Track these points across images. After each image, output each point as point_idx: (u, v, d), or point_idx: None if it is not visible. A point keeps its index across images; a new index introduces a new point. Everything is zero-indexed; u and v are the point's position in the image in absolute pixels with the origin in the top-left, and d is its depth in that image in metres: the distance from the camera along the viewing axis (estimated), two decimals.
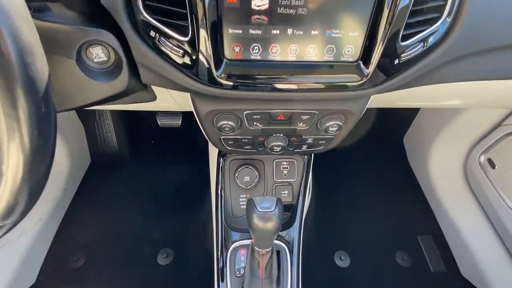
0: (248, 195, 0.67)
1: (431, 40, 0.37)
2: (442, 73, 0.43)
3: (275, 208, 0.45)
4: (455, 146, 1.06)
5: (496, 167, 0.91)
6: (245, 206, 0.66)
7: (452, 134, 1.05)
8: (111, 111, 1.15)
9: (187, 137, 1.25)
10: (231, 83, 0.39)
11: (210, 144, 0.81)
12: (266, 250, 0.51)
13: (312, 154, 0.71)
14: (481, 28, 0.38)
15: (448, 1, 0.35)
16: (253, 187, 0.66)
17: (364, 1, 0.34)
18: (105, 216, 1.06)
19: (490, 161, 0.93)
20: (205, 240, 0.94)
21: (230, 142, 0.56)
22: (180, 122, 1.12)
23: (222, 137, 0.54)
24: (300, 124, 0.51)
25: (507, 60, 0.43)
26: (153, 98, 0.55)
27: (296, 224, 0.64)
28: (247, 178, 0.65)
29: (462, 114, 0.98)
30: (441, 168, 1.10)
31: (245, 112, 0.48)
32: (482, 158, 0.96)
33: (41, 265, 0.94)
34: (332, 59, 0.38)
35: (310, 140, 0.55)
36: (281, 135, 0.53)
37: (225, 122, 0.48)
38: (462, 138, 1.04)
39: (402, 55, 0.37)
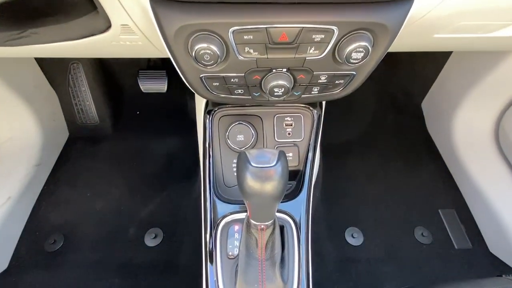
0: None
1: None
2: None
3: (277, 162, 0.31)
4: (485, 108, 0.91)
5: None
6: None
7: (482, 95, 0.89)
8: (86, 75, 1.00)
9: (175, 105, 1.11)
10: None
11: (196, 100, 0.67)
12: (266, 224, 0.38)
13: (323, 108, 0.56)
14: None
15: None
16: (248, 149, 0.52)
17: None
18: (86, 195, 0.95)
19: None
20: (197, 217, 0.82)
21: (215, 84, 0.41)
22: (165, 86, 0.97)
23: (203, 75, 0.40)
24: (310, 51, 0.36)
25: None
26: (106, 24, 0.40)
27: (304, 194, 0.51)
28: (240, 137, 0.51)
29: (495, 69, 0.82)
30: (467, 134, 0.96)
31: (231, 29, 0.33)
32: None
33: (14, 248, 0.83)
34: None
35: (323, 79, 0.41)
36: (284, 70, 0.39)
37: (204, 46, 0.33)
38: (493, 98, 0.89)
39: None
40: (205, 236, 0.48)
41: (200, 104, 0.58)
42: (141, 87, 0.97)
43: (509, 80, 0.83)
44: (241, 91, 0.43)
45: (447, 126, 1.00)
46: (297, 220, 0.48)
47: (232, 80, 0.40)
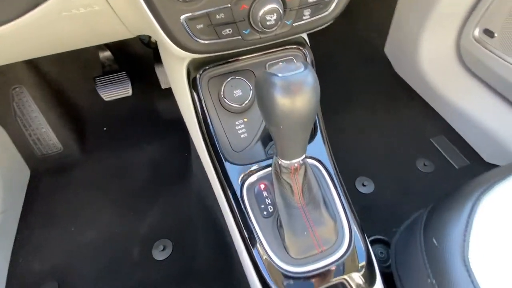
0: (246, 119, 0.48)
1: None
2: None
3: (305, 68, 0.27)
4: (443, 33, 0.96)
5: (495, 34, 0.82)
6: (245, 135, 0.48)
7: (438, 21, 0.94)
8: (34, 99, 0.87)
9: (143, 108, 1.01)
10: None
11: (172, 77, 0.61)
12: (298, 160, 0.34)
13: (310, 49, 0.53)
14: None
15: None
16: (248, 105, 0.47)
17: None
18: (70, 230, 0.82)
19: (487, 31, 0.84)
20: (203, 214, 0.75)
21: (199, 27, 0.36)
22: (130, 89, 0.88)
23: (184, 16, 0.34)
24: None
25: None
26: None
27: (319, 134, 0.48)
28: (238, 92, 0.46)
29: None
30: (433, 62, 1.00)
31: None
32: (476, 32, 0.87)
33: None
34: None
35: None
36: None
37: None
38: (449, 21, 0.93)
39: None
40: (230, 202, 0.42)
41: (177, 78, 0.52)
42: (102, 95, 0.87)
43: (457, 4, 0.89)
44: (229, 31, 0.38)
45: (413, 62, 1.04)
46: (322, 160, 0.45)
47: (217, 16, 0.36)
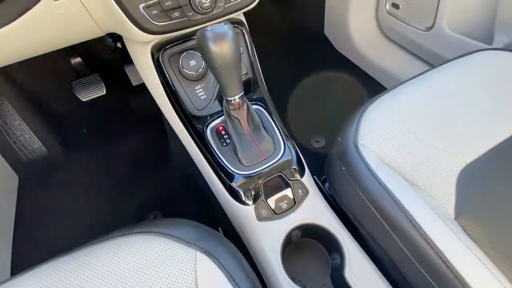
0: (203, 84, 0.63)
1: None
2: None
3: (225, 24, 0.42)
4: (365, 11, 1.16)
5: (400, 6, 1.03)
6: (204, 96, 0.63)
7: (359, 3, 1.14)
8: (15, 108, 0.95)
9: (118, 105, 1.12)
10: None
11: (139, 65, 0.73)
12: (238, 96, 0.49)
13: (247, 27, 0.69)
14: None
15: None
16: (202, 73, 0.61)
17: None
18: (65, 219, 0.91)
19: (394, 4, 1.05)
20: (186, 185, 0.88)
21: (154, 12, 0.50)
22: (104, 88, 0.99)
23: (142, 4, 0.48)
24: None
25: None
26: None
27: (261, 88, 0.63)
28: (192, 63, 0.60)
29: None
30: (361, 36, 1.20)
31: None
32: (387, 6, 1.07)
33: None
34: None
35: None
36: None
37: None
38: (367, 1, 1.13)
39: None
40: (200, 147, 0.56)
41: (144, 61, 0.65)
42: (79, 97, 0.97)
43: None
44: (178, 14, 0.52)
45: (346, 37, 1.23)
46: (263, 104, 0.60)
47: (167, 3, 0.49)
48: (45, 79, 1.03)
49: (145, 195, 0.95)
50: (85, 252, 0.41)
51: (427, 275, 0.40)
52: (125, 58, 0.99)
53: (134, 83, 1.07)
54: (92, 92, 0.97)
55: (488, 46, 0.83)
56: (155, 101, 0.71)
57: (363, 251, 0.47)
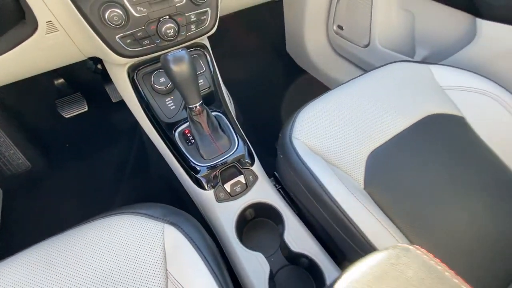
0: (172, 97, 0.75)
1: None
2: None
3: (182, 50, 0.55)
4: (317, 31, 1.35)
5: (343, 27, 1.22)
6: (174, 107, 0.75)
7: (312, 20, 1.32)
8: (0, 125, 1.03)
9: (99, 120, 1.22)
10: None
11: (118, 83, 0.85)
12: (199, 104, 0.61)
13: (210, 50, 0.83)
14: None
15: None
16: (171, 88, 0.74)
17: None
18: (50, 227, 0.97)
19: (339, 26, 1.24)
20: (164, 183, 0.98)
21: (128, 41, 0.63)
22: (85, 105, 1.09)
23: (118, 35, 0.60)
24: (176, 0, 0.62)
25: None
26: (33, 26, 0.57)
27: (221, 99, 0.76)
28: (162, 79, 0.73)
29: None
30: (316, 52, 1.39)
31: None
32: (335, 27, 1.27)
33: None
34: None
35: (193, 18, 0.67)
36: (167, 17, 0.63)
37: (111, 10, 0.55)
38: (318, 19, 1.32)
39: None
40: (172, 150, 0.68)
41: (122, 80, 0.77)
42: (63, 114, 1.07)
43: (318, 7, 1.27)
44: (147, 41, 0.65)
45: (305, 54, 1.41)
46: (223, 111, 0.73)
47: (138, 34, 0.62)
48: (30, 98, 1.12)
49: (127, 202, 1.03)
50: (67, 234, 0.51)
51: (342, 233, 0.54)
52: (105, 78, 1.11)
53: (114, 100, 1.18)
54: (75, 109, 1.07)
55: (409, 59, 1.03)
56: (133, 115, 0.83)
57: (299, 220, 0.59)
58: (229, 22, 1.53)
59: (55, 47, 0.65)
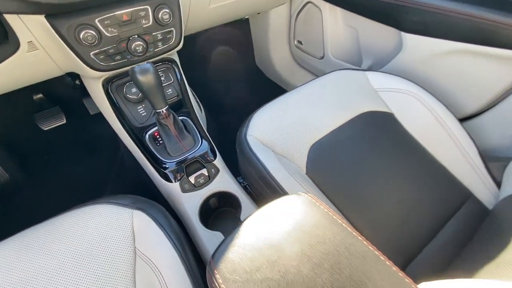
0: (143, 105, 0.84)
1: None
2: None
3: (148, 63, 0.65)
4: (282, 47, 1.50)
5: (302, 42, 1.38)
6: (144, 113, 0.84)
7: (276, 42, 1.48)
8: None
9: (81, 131, 1.28)
10: None
11: (95, 95, 0.93)
12: (165, 109, 0.71)
13: (178, 63, 0.94)
14: None
15: None
16: (142, 97, 0.83)
17: None
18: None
19: (299, 41, 1.40)
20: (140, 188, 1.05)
21: (101, 57, 0.72)
22: (64, 118, 1.16)
23: (92, 52, 0.70)
24: (143, 21, 0.72)
25: None
26: (16, 46, 0.65)
27: (189, 106, 0.86)
28: (134, 89, 0.82)
29: (272, 23, 1.39)
30: (282, 65, 1.53)
31: (96, 20, 0.66)
32: (295, 42, 1.42)
33: None
34: None
35: (160, 36, 0.78)
36: (136, 36, 0.74)
37: (86, 31, 0.65)
38: (281, 36, 1.47)
39: None
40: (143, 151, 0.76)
41: (98, 92, 0.86)
42: (41, 127, 1.12)
43: (278, 24, 1.42)
44: (119, 57, 0.75)
45: (271, 67, 1.56)
46: (189, 116, 0.83)
47: (110, 51, 0.72)
48: (9, 112, 1.17)
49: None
50: (46, 222, 0.57)
51: None
52: (83, 92, 1.19)
53: (92, 113, 1.25)
54: (54, 121, 1.13)
55: (356, 67, 1.18)
56: (110, 126, 0.91)
57: (255, 204, 0.69)
58: (204, 38, 1.67)
59: (35, 64, 0.73)
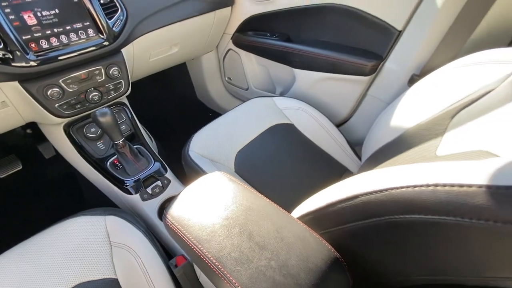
0: (102, 141, 1.04)
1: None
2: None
3: (105, 108, 0.88)
4: (215, 81, 1.83)
5: (231, 78, 1.73)
6: (103, 147, 1.04)
7: (210, 78, 1.80)
8: None
9: (37, 174, 1.36)
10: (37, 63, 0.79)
11: (56, 141, 1.09)
12: (121, 140, 0.93)
13: (128, 105, 1.17)
14: None
15: None
16: (100, 135, 1.04)
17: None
18: None
19: (228, 78, 1.75)
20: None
21: (64, 107, 0.92)
22: (20, 164, 1.25)
23: (57, 104, 0.90)
24: (97, 78, 0.95)
25: None
26: None
27: (140, 135, 1.09)
28: (93, 129, 1.02)
29: (202, 60, 1.73)
30: (218, 96, 1.85)
31: (60, 80, 0.87)
32: (226, 78, 1.77)
33: None
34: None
35: (111, 87, 1.01)
36: (92, 88, 0.96)
37: (52, 90, 0.85)
38: (214, 74, 1.80)
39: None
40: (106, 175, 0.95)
41: (59, 136, 1.03)
42: None
43: (213, 66, 1.77)
44: (79, 106, 0.95)
45: (211, 99, 1.87)
46: (142, 145, 1.05)
47: (72, 101, 0.93)
48: None
49: None
50: (36, 236, 0.73)
51: None
52: (37, 139, 1.31)
53: (47, 156, 1.36)
54: (9, 169, 1.22)
55: (272, 94, 1.55)
56: (67, 167, 1.06)
57: None
58: (152, 81, 1.91)
59: (3, 118, 0.89)
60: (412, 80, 0.95)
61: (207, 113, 1.92)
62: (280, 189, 0.93)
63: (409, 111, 0.77)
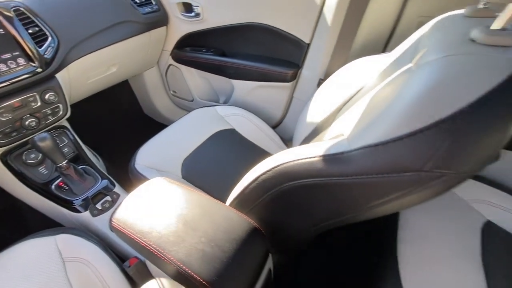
0: (44, 166, 1.05)
1: None
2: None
3: (44, 132, 0.91)
4: (161, 96, 1.89)
5: (176, 92, 1.81)
6: (46, 171, 1.05)
7: (154, 91, 1.85)
8: None
9: None
10: None
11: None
12: (65, 162, 0.96)
13: (70, 128, 1.18)
14: None
15: None
16: (41, 160, 1.04)
17: None
18: None
19: (173, 91, 1.82)
20: None
21: (7, 131, 0.92)
22: None
23: None
24: (32, 104, 0.97)
25: None
26: None
27: (85, 156, 1.11)
28: (33, 155, 1.02)
29: (144, 76, 1.78)
30: (165, 110, 1.91)
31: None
32: (171, 91, 1.84)
33: None
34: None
35: (49, 112, 1.03)
36: (29, 115, 0.97)
37: None
38: (158, 88, 1.85)
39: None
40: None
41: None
42: None
43: (156, 81, 1.83)
44: (15, 133, 0.95)
45: (158, 113, 1.91)
46: (87, 163, 1.08)
47: (7, 130, 0.92)
48: None
49: None
50: None
51: None
52: None
53: None
54: None
55: (216, 104, 1.67)
56: (8, 198, 1.04)
57: None
58: (94, 101, 1.89)
59: None
60: (319, 83, 1.16)
61: (154, 128, 1.96)
62: (224, 187, 1.05)
63: (317, 109, 0.96)
